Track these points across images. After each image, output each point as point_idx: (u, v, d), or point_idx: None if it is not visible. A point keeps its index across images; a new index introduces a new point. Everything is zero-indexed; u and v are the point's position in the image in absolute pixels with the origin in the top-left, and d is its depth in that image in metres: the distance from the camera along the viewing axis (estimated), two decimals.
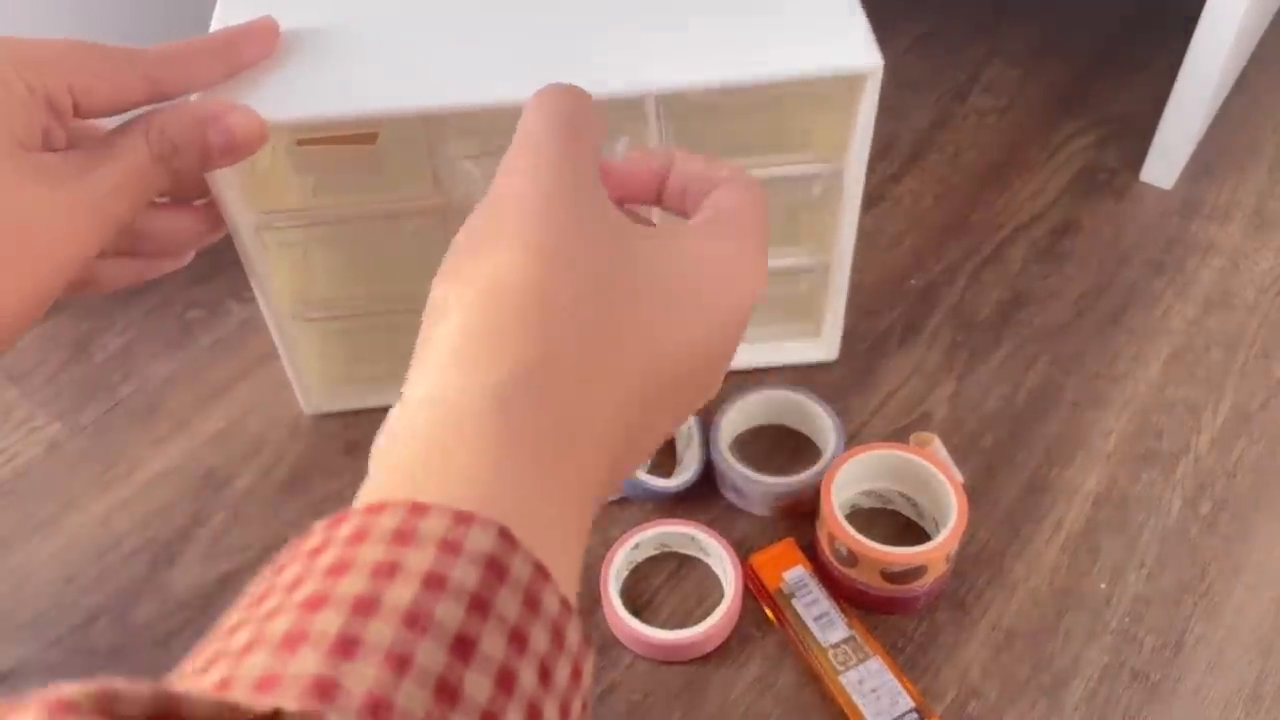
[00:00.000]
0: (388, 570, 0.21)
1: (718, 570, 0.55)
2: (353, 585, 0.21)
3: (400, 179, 0.55)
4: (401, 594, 0.21)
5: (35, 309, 0.40)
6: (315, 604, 0.20)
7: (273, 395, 0.64)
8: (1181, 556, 0.56)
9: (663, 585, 0.56)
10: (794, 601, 0.53)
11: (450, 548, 0.22)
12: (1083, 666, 0.52)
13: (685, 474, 0.58)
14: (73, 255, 0.39)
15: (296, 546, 0.23)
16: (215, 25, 0.51)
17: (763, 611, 0.54)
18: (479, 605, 0.21)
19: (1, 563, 0.57)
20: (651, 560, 0.56)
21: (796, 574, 0.54)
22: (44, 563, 0.56)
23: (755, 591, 0.54)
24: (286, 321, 0.57)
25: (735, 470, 0.57)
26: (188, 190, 0.47)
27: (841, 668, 0.50)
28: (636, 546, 0.55)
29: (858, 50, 0.49)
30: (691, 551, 0.56)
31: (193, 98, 0.46)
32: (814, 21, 0.51)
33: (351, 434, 0.62)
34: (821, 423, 0.59)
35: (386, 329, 0.60)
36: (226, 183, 0.49)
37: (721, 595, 0.54)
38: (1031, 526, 0.57)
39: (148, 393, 0.64)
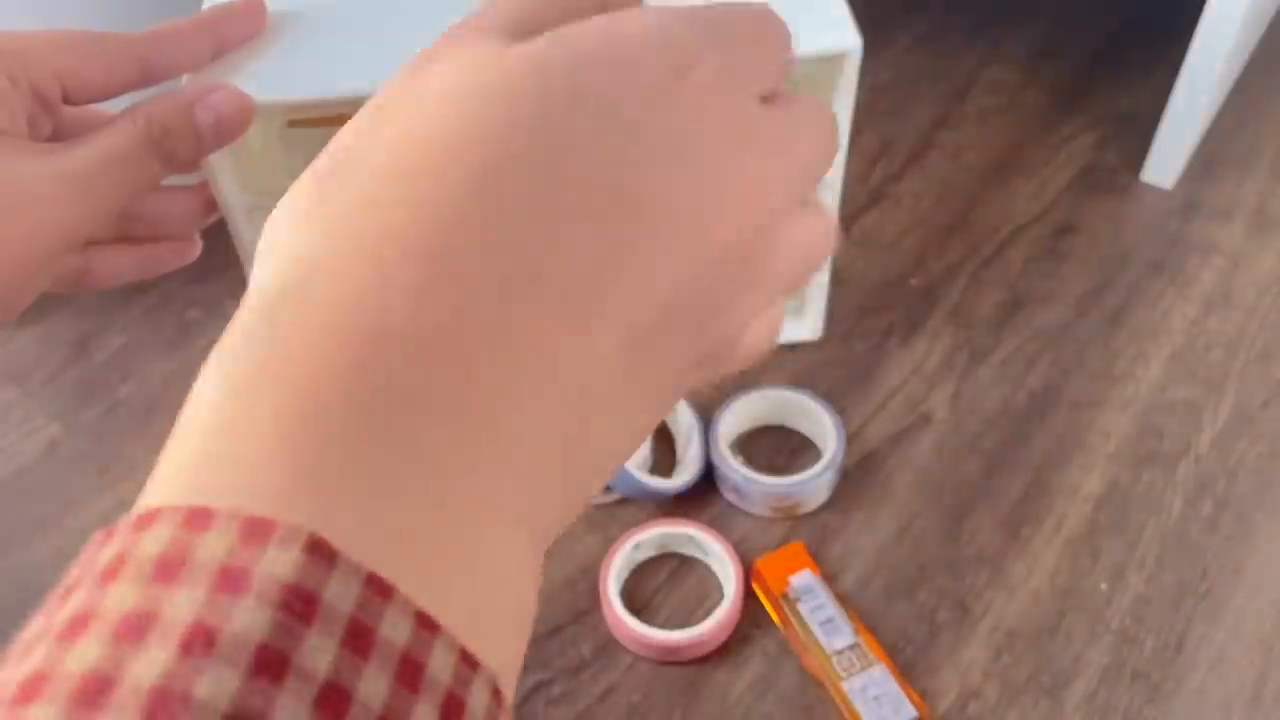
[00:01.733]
0: (137, 626, 0.15)
1: (718, 570, 0.55)
2: (86, 655, 0.15)
3: None
4: (149, 663, 0.15)
5: (20, 287, 0.39)
6: (31, 690, 0.15)
7: None
8: (1182, 557, 0.56)
9: (663, 585, 0.56)
10: (799, 606, 0.53)
11: (232, 581, 0.16)
12: (1083, 667, 0.52)
13: (685, 474, 0.58)
14: (57, 228, 0.39)
15: (69, 572, 0.17)
16: (207, 5, 0.51)
17: (763, 612, 0.54)
18: (268, 665, 0.15)
19: (2, 562, 0.56)
20: (651, 561, 0.56)
21: (803, 578, 0.54)
22: (43, 563, 0.56)
23: (763, 594, 0.54)
24: None
25: (735, 470, 0.57)
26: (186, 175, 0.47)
27: (845, 674, 0.50)
28: (637, 547, 0.55)
29: (837, 31, 0.50)
30: (691, 551, 0.56)
31: (183, 80, 0.46)
32: (794, 3, 0.51)
33: None
34: (821, 423, 0.59)
35: None
36: (219, 165, 0.49)
37: (722, 595, 0.54)
38: (1032, 527, 0.57)
39: (147, 393, 0.64)
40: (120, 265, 0.47)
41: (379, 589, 0.16)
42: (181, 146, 0.42)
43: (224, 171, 0.49)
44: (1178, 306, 0.68)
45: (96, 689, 0.14)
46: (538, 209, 0.20)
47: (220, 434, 0.19)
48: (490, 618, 0.18)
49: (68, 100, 0.42)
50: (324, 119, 0.51)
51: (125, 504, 0.58)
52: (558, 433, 0.20)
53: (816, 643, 0.52)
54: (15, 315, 0.40)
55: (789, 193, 0.24)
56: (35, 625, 0.16)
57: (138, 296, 0.70)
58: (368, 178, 0.20)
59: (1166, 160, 0.75)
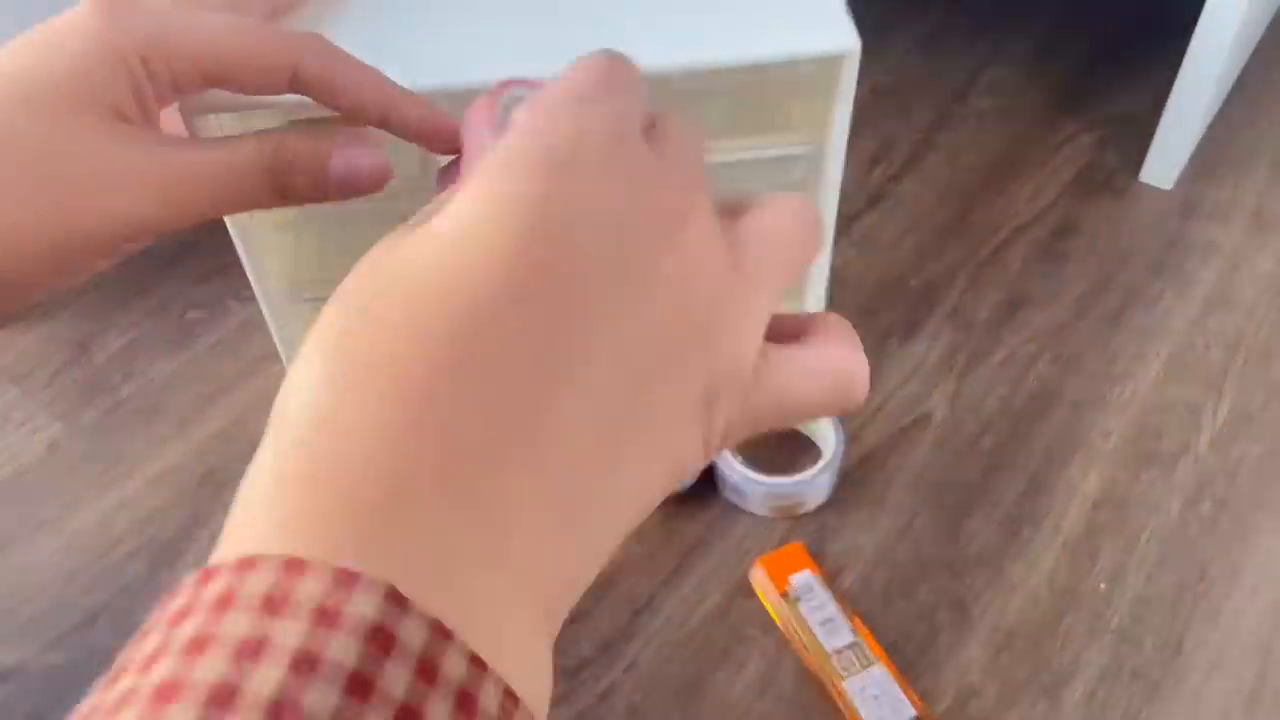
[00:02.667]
0: (253, 648, 0.18)
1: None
2: (212, 668, 0.18)
3: (394, 164, 0.55)
4: (266, 678, 0.18)
5: (71, 267, 0.38)
6: (168, 693, 0.18)
7: (273, 395, 0.64)
8: (1181, 557, 0.56)
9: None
10: (799, 606, 0.53)
11: (327, 618, 0.19)
12: (1082, 667, 0.52)
13: None
14: (128, 221, 0.37)
15: (164, 605, 0.20)
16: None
17: (763, 611, 0.54)
18: (359, 687, 0.18)
19: (3, 562, 0.57)
20: None
21: (803, 578, 0.54)
22: (45, 562, 0.57)
23: (762, 594, 0.55)
24: (280, 303, 0.58)
25: (735, 470, 0.57)
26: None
27: (845, 673, 0.50)
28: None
29: (835, 33, 0.50)
30: None
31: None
32: (793, 5, 0.51)
33: None
34: (821, 423, 0.59)
35: None
36: None
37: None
38: (1031, 527, 0.57)
39: (148, 393, 0.65)
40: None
41: (442, 633, 0.20)
42: (302, 185, 0.40)
43: None
44: (1177, 307, 0.68)
45: (225, 695, 0.17)
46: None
47: (310, 487, 0.22)
48: (524, 670, 0.21)
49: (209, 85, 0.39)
50: (322, 120, 0.51)
51: (126, 504, 0.58)
52: (556, 507, 0.23)
53: (816, 642, 0.52)
54: (61, 286, 0.39)
55: (706, 219, 0.26)
56: (149, 642, 0.19)
57: (139, 297, 0.70)
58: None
59: (1166, 161, 0.75)
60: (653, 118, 0.28)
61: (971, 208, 0.75)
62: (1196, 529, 0.57)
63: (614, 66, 0.27)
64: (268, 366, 0.65)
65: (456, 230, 0.24)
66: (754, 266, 0.26)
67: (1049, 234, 0.73)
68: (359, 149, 0.41)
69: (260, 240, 0.55)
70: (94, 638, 0.53)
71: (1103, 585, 0.55)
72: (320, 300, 0.63)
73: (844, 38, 0.50)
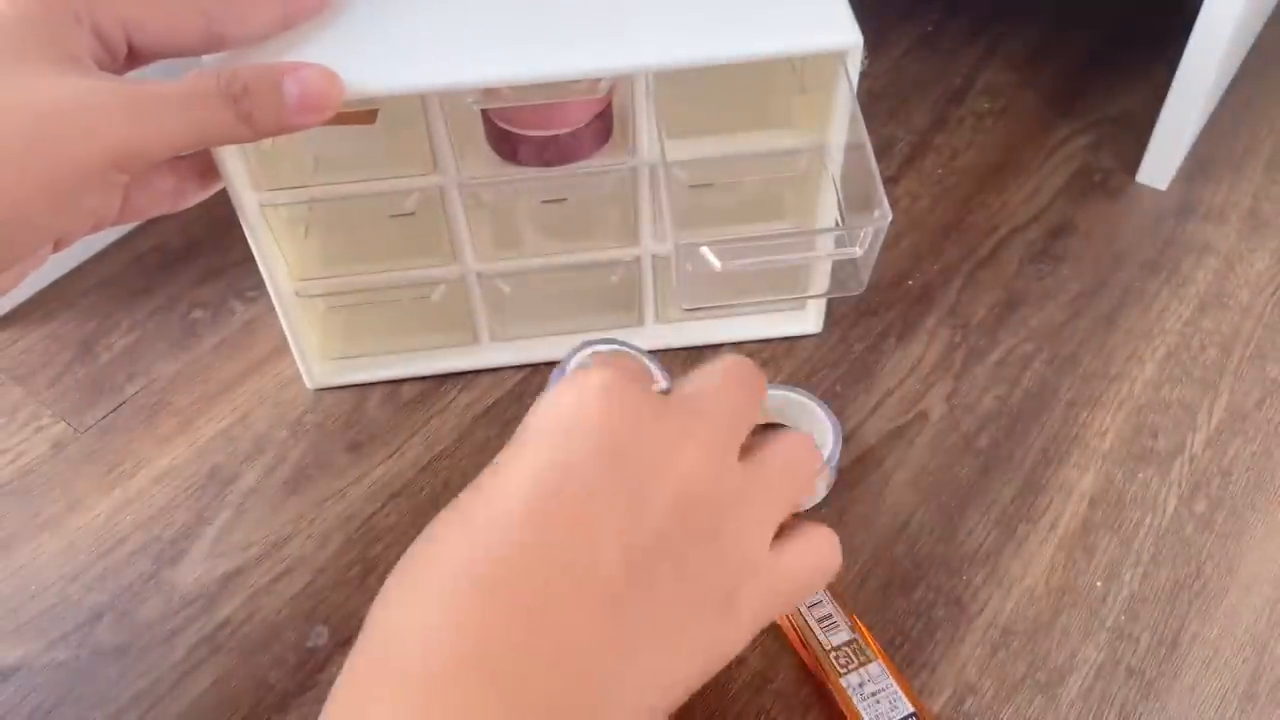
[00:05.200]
0: None
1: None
2: None
3: (399, 158, 0.55)
4: None
5: (59, 200, 0.38)
6: None
7: (276, 394, 0.64)
8: (1177, 555, 0.57)
9: None
10: (807, 612, 0.53)
11: None
12: (1079, 664, 0.52)
13: None
14: (109, 141, 0.38)
15: None
16: None
17: None
18: None
19: (6, 561, 0.57)
20: None
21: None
22: (49, 561, 0.57)
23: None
24: (290, 298, 0.59)
25: None
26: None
27: (842, 670, 0.51)
28: None
29: (837, 28, 0.50)
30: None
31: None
32: (794, 0, 0.52)
33: (354, 434, 0.62)
34: (820, 423, 0.60)
35: (387, 306, 0.61)
36: (231, 160, 0.50)
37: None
38: (1028, 526, 0.58)
39: (152, 392, 0.65)
40: (158, 193, 0.47)
41: None
42: (261, 110, 0.41)
43: (236, 166, 0.50)
44: (1172, 307, 0.69)
45: None
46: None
47: None
48: None
49: (132, 54, 0.42)
50: (340, 116, 0.51)
51: (129, 504, 0.59)
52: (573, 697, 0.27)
53: (814, 639, 0.52)
54: (48, 237, 0.40)
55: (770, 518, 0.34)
56: None
57: (142, 297, 0.70)
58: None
59: (1161, 162, 0.76)
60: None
61: (968, 209, 0.75)
62: (1192, 527, 0.58)
63: (746, 375, 0.35)
64: (271, 366, 0.66)
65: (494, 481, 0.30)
66: (765, 487, 0.33)
67: (1045, 235, 0.73)
68: (308, 68, 0.43)
69: (271, 235, 0.55)
70: (97, 636, 0.54)
71: (1099, 583, 0.55)
72: (329, 296, 0.64)
73: (846, 33, 0.50)
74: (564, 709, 0.26)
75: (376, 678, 0.26)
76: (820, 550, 0.36)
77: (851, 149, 0.54)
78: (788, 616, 0.53)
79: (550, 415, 0.31)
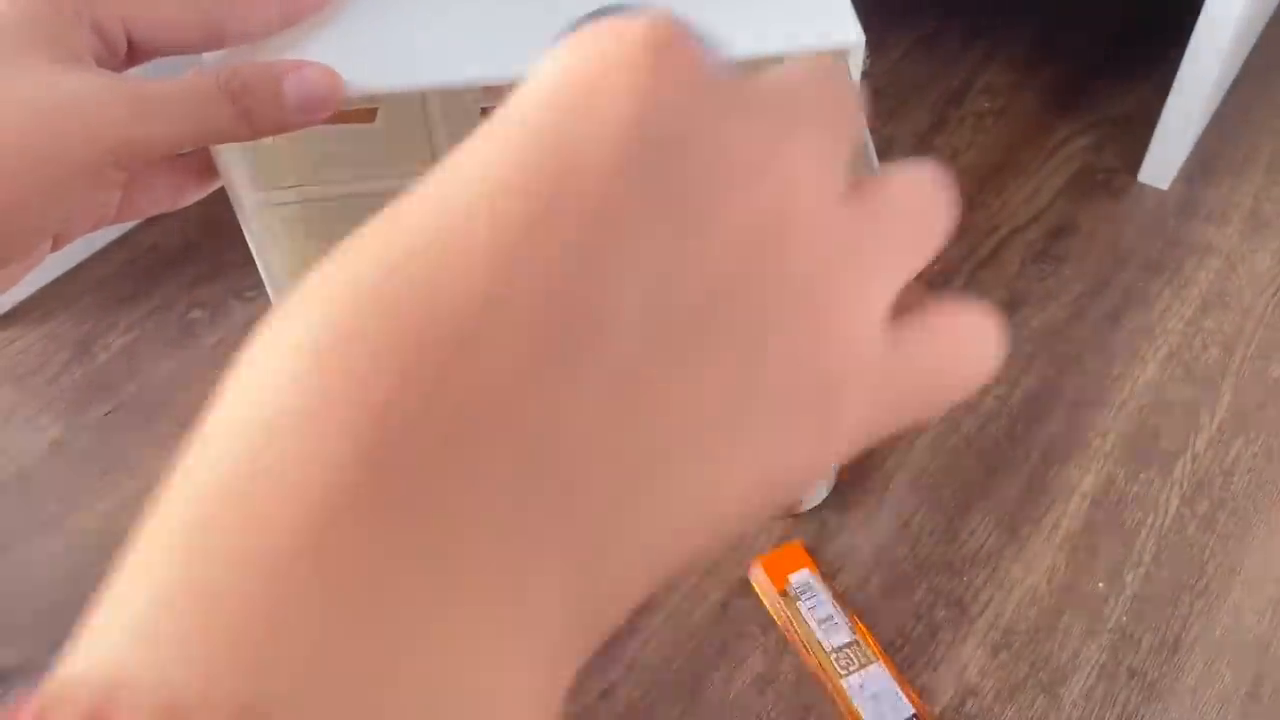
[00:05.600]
0: None
1: None
2: None
3: (399, 156, 0.55)
4: None
5: (59, 192, 0.38)
6: None
7: None
8: (1179, 556, 0.56)
9: None
10: (799, 604, 0.53)
11: None
12: (1080, 665, 0.52)
13: None
14: (107, 133, 0.38)
15: None
16: None
17: (762, 610, 0.54)
18: None
19: (5, 561, 0.57)
20: None
21: (802, 577, 0.54)
22: (46, 562, 0.57)
23: (762, 592, 0.55)
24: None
25: None
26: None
27: (843, 671, 0.51)
28: None
29: (839, 26, 0.50)
30: None
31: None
32: None
33: None
34: None
35: None
36: (231, 160, 0.49)
37: None
38: (1030, 526, 0.58)
39: (150, 393, 0.65)
40: (156, 191, 0.47)
41: None
42: (260, 107, 0.41)
43: (234, 165, 0.50)
44: (1174, 307, 0.69)
45: None
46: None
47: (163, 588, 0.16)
48: None
49: (132, 51, 0.42)
50: (337, 114, 0.51)
51: (127, 504, 0.59)
52: (545, 521, 0.16)
53: (815, 640, 0.52)
54: (44, 233, 0.40)
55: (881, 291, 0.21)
56: None
57: (140, 298, 0.70)
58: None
59: (1163, 162, 0.75)
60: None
61: (970, 209, 0.75)
62: (1194, 528, 0.57)
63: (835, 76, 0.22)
64: None
65: (459, 177, 0.17)
66: (884, 235, 0.21)
67: (1047, 235, 0.73)
68: (309, 67, 0.43)
69: (270, 235, 0.55)
70: None
71: (1101, 584, 0.55)
72: None
73: (848, 31, 0.50)
74: (521, 549, 0.16)
75: (218, 504, 0.15)
76: (963, 338, 0.22)
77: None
78: (788, 617, 0.53)
79: (551, 81, 0.18)
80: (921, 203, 0.22)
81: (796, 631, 0.52)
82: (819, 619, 0.53)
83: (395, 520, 0.15)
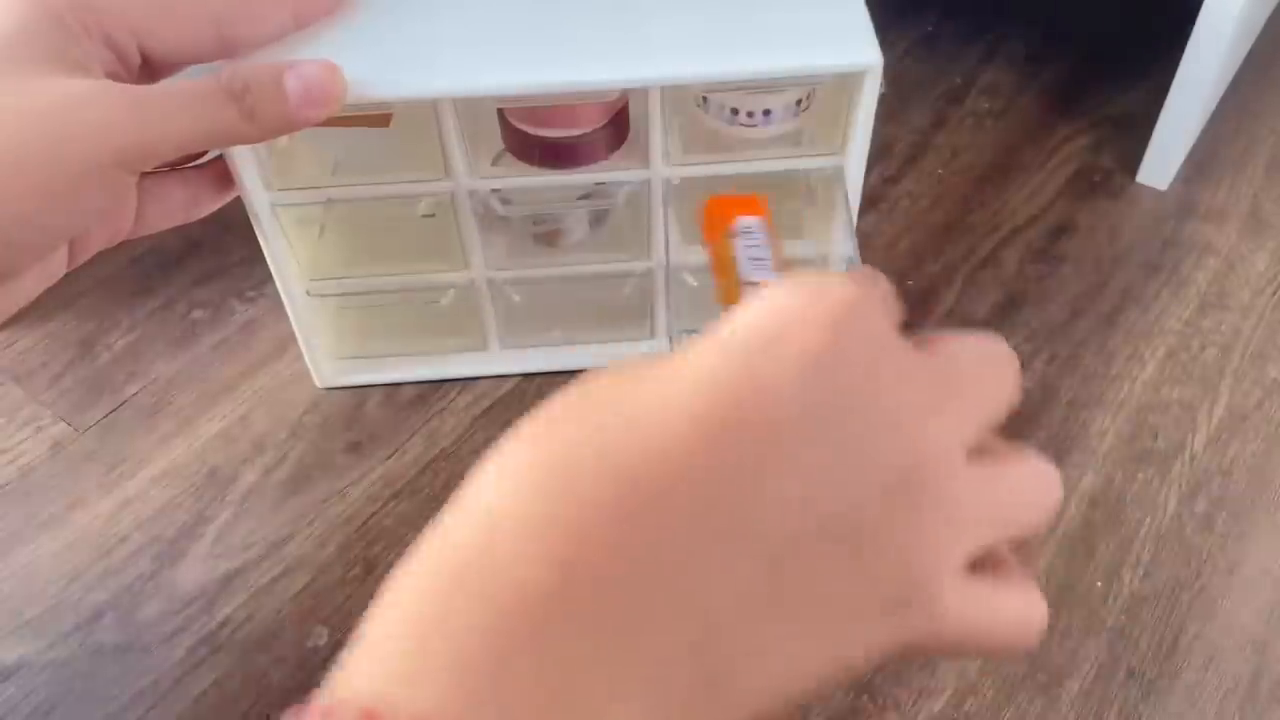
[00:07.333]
0: None
1: None
2: None
3: (414, 161, 0.55)
4: None
5: (70, 198, 0.38)
6: None
7: (276, 395, 0.64)
8: (1177, 555, 0.57)
9: None
10: (736, 242, 0.46)
11: None
12: (1079, 664, 0.52)
13: None
14: (113, 138, 0.38)
15: None
16: None
17: None
18: None
19: (7, 561, 0.57)
20: None
21: (751, 220, 0.47)
22: (49, 560, 0.57)
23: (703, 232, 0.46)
24: (300, 298, 0.59)
25: None
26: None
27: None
28: None
29: (859, 47, 0.50)
30: None
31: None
32: (815, 17, 0.51)
33: (354, 434, 0.62)
34: None
35: (397, 308, 0.61)
36: (245, 160, 0.50)
37: None
38: None
39: (152, 392, 0.65)
40: (171, 203, 0.47)
41: None
42: (264, 106, 0.41)
43: (247, 166, 0.50)
44: (1172, 307, 0.69)
45: None
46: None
47: (420, 626, 0.21)
48: None
49: (146, 63, 0.42)
50: (345, 119, 0.51)
51: (130, 503, 0.59)
52: (685, 644, 0.21)
53: (736, 274, 0.44)
54: (52, 239, 0.40)
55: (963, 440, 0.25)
56: None
57: (142, 297, 0.70)
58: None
59: (1162, 162, 0.76)
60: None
61: (969, 209, 0.75)
62: (1192, 527, 0.58)
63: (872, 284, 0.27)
64: (271, 366, 0.66)
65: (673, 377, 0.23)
66: (994, 502, 0.25)
67: (1046, 235, 0.73)
68: (309, 63, 0.43)
69: (282, 235, 0.55)
70: (99, 635, 0.54)
71: (1099, 583, 0.55)
72: (341, 296, 0.64)
73: (866, 52, 0.50)
74: (676, 677, 0.20)
75: (456, 582, 0.21)
76: (1021, 607, 0.26)
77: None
78: (724, 256, 0.44)
79: (758, 317, 0.23)
80: (1040, 479, 0.27)
81: (724, 266, 0.47)
82: (750, 257, 0.48)
83: (585, 629, 0.20)
